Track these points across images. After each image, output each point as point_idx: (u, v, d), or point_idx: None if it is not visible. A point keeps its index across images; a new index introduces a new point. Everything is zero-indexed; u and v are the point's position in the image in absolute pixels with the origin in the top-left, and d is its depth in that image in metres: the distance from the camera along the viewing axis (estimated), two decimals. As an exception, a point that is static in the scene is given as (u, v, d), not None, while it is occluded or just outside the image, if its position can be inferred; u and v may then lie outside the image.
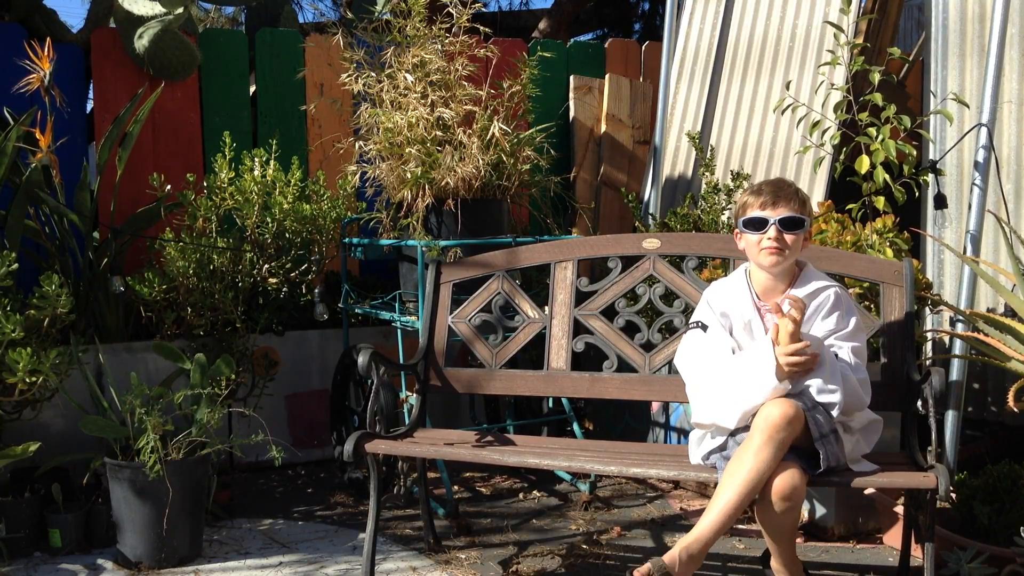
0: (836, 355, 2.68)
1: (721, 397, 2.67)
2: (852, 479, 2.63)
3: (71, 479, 3.59)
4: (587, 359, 3.57)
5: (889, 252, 3.51)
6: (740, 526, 3.58)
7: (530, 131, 4.26)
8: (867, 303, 3.36)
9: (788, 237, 2.67)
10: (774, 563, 2.71)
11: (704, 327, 2.80)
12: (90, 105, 4.78)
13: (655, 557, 2.45)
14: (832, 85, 4.13)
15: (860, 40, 4.24)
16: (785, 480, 2.50)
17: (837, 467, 2.60)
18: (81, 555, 3.41)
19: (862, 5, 4.57)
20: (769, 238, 2.66)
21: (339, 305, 4.38)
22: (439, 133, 3.92)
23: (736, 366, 2.67)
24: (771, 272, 2.73)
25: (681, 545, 2.47)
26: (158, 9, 4.30)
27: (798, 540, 3.28)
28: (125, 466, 3.25)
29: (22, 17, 4.65)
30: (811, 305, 2.71)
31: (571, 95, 5.47)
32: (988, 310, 3.78)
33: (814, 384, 2.59)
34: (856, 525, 3.46)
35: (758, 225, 2.69)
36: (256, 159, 4.12)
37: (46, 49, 3.86)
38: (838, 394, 2.59)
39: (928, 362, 3.70)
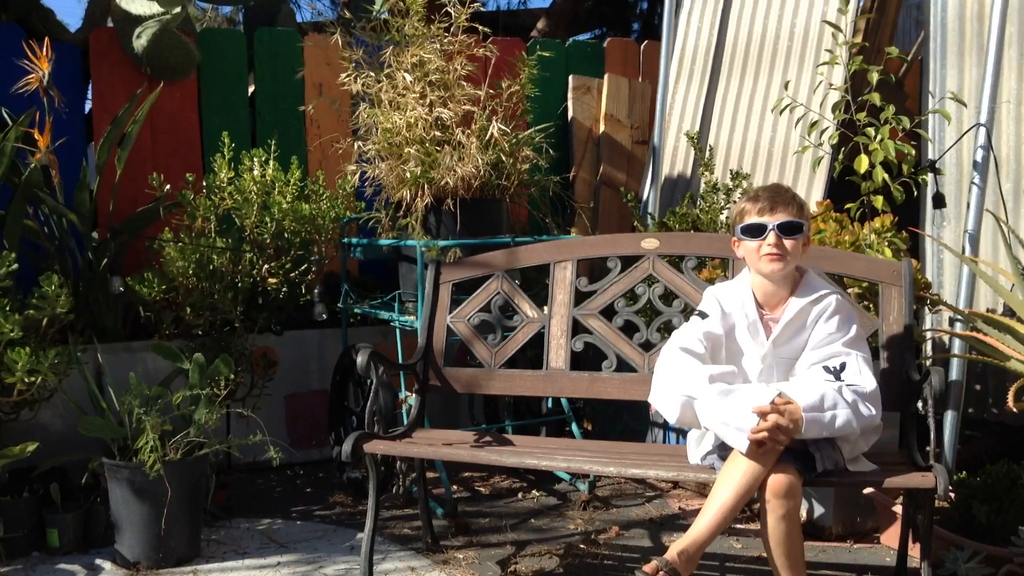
0: (844, 365, 2.63)
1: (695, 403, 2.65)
2: (850, 479, 2.63)
3: (69, 479, 3.59)
4: (586, 359, 3.57)
5: (888, 252, 3.51)
6: (738, 526, 3.58)
7: (529, 131, 4.26)
8: (866, 303, 3.36)
9: (788, 242, 2.65)
10: None
11: (704, 315, 2.79)
12: (89, 105, 4.77)
13: (657, 557, 2.45)
14: (831, 85, 4.13)
15: (858, 39, 4.24)
16: (780, 479, 2.48)
17: (835, 470, 2.59)
18: (79, 555, 3.41)
19: (860, 4, 4.56)
20: (769, 244, 2.64)
21: (338, 305, 4.38)
22: (438, 133, 3.92)
23: (721, 394, 2.61)
24: (771, 279, 2.72)
25: (677, 548, 2.46)
26: (156, 9, 4.30)
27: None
28: (123, 466, 3.25)
29: (19, 16, 4.65)
30: (813, 312, 2.69)
31: (570, 95, 5.47)
32: (988, 310, 3.78)
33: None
34: (854, 524, 3.46)
35: (757, 232, 2.67)
36: (255, 159, 4.12)
37: (44, 49, 3.86)
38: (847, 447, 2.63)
39: (927, 362, 3.71)
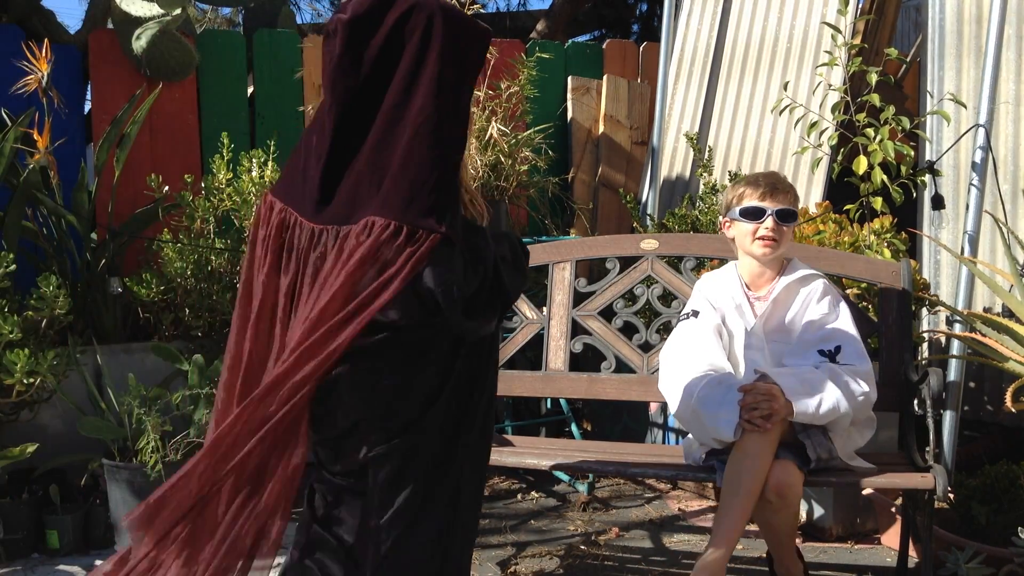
0: (839, 348, 2.67)
1: (695, 415, 2.69)
2: (850, 479, 2.63)
3: (69, 480, 3.58)
4: (585, 360, 3.57)
5: (887, 253, 3.51)
6: (738, 526, 3.58)
7: (528, 132, 4.27)
8: (865, 303, 3.37)
9: (783, 228, 2.74)
10: (777, 568, 2.71)
11: (696, 313, 2.84)
12: (88, 106, 4.77)
13: None
14: (830, 86, 4.14)
15: (857, 41, 4.24)
16: (780, 476, 2.51)
17: (830, 460, 2.61)
18: (79, 556, 3.40)
19: (859, 6, 4.57)
20: (766, 228, 2.73)
21: (337, 306, 4.37)
22: (437, 134, 3.91)
23: (709, 393, 2.66)
24: (762, 261, 2.79)
25: (701, 566, 2.45)
26: (156, 10, 4.30)
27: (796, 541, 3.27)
28: (123, 467, 3.24)
29: (20, 18, 4.65)
30: (801, 293, 2.76)
31: (569, 96, 5.47)
32: (985, 310, 3.78)
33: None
34: (854, 525, 3.46)
35: (755, 215, 2.74)
36: (254, 160, 4.12)
37: (44, 50, 3.86)
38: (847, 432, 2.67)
39: (925, 362, 3.71)
